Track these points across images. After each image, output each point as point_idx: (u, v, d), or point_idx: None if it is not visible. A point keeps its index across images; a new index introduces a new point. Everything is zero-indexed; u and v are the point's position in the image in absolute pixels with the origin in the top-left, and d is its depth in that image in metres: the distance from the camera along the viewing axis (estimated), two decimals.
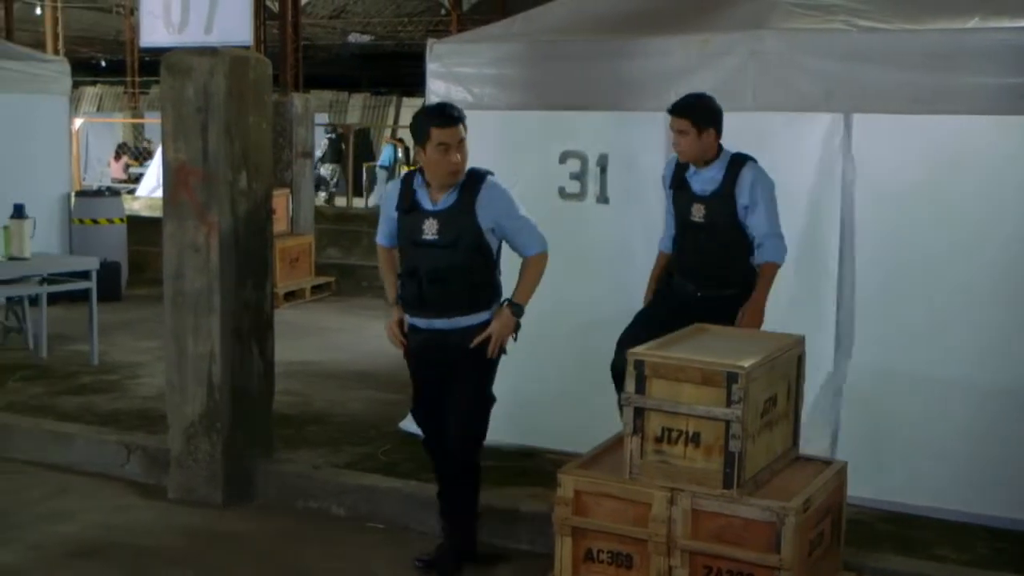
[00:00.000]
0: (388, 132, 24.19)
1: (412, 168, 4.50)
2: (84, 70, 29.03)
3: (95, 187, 16.05)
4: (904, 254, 5.10)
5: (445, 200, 4.42)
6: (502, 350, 4.53)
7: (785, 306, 5.19)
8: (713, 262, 4.90)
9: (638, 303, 5.02)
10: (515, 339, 4.55)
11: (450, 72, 5.94)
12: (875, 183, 5.12)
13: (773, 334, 4.34)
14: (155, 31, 5.56)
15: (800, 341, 4.30)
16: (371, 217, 12.14)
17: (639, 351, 4.04)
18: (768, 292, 4.83)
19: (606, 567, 4.02)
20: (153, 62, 19.58)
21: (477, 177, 4.45)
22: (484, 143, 5.74)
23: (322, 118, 22.72)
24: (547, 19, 6.01)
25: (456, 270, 4.38)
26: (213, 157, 5.35)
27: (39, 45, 17.70)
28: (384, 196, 4.72)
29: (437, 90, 5.97)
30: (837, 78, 5.08)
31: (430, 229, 4.40)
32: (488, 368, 4.52)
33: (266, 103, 5.64)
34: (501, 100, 5.83)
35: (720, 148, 4.90)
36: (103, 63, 32.01)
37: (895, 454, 5.10)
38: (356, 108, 31.69)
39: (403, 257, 4.55)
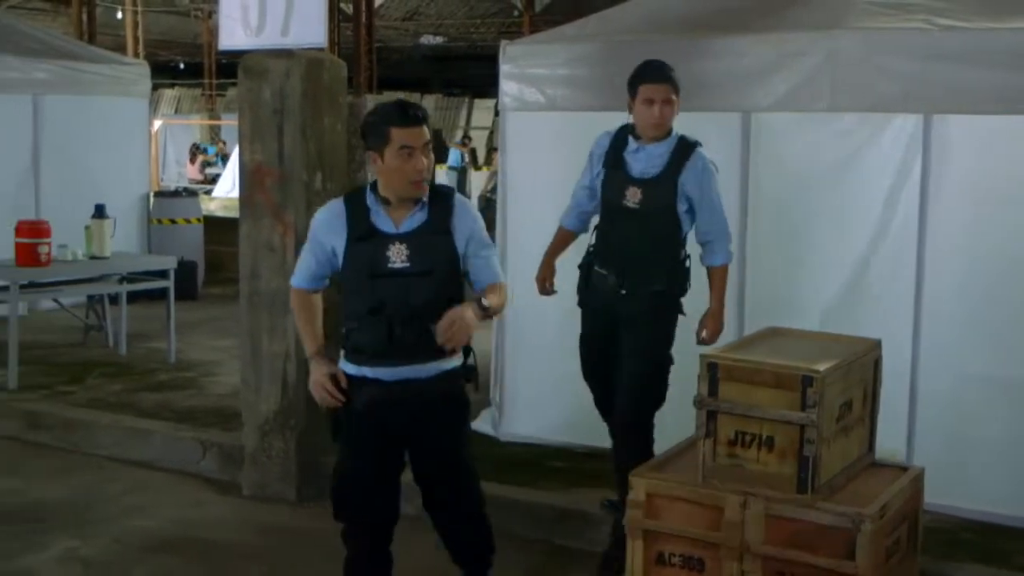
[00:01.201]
0: (459, 134, 24.21)
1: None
2: (163, 73, 29.59)
3: (173, 188, 16.37)
4: (984, 256, 4.98)
5: (412, 219, 3.70)
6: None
7: (861, 308, 5.13)
8: (641, 254, 4.51)
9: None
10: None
11: (523, 73, 5.95)
12: (954, 185, 5.02)
13: (849, 337, 4.27)
14: (233, 34, 5.59)
15: (877, 345, 4.23)
16: None
17: (712, 354, 3.99)
18: (724, 297, 4.61)
19: (678, 571, 3.98)
20: (230, 64, 19.86)
21: (444, 192, 3.82)
22: (558, 144, 5.78)
23: None
24: (621, 19, 5.99)
25: (434, 304, 3.61)
26: (289, 158, 5.41)
27: (120, 48, 18.07)
28: (315, 225, 3.89)
29: (510, 91, 5.99)
30: (917, 78, 4.99)
31: (398, 256, 3.65)
32: (465, 414, 3.92)
33: (340, 104, 5.70)
34: (575, 101, 5.81)
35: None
36: (181, 66, 32.59)
37: (976, 461, 4.99)
38: (428, 109, 31.70)
39: (356, 295, 3.71)
